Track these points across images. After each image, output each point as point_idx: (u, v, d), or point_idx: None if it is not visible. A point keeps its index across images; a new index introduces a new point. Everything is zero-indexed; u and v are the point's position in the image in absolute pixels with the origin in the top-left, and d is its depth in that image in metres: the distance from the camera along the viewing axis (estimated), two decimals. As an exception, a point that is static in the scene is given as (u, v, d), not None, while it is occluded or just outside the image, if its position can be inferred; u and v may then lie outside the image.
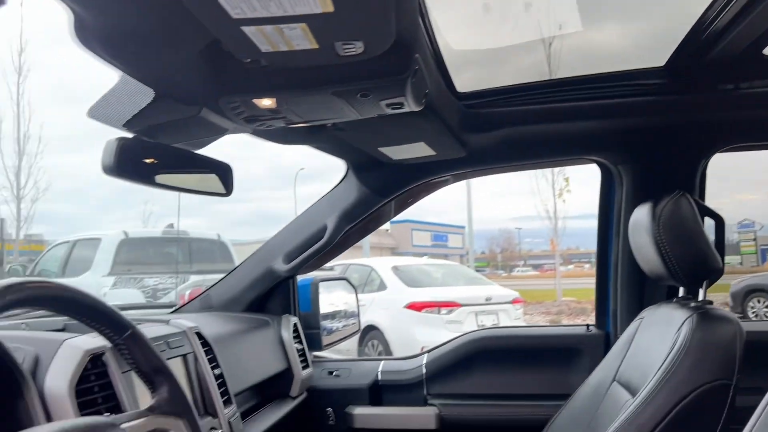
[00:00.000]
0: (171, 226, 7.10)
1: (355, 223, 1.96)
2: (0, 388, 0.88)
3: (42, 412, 0.90)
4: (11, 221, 15.54)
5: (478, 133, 1.66)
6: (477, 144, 1.70)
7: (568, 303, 13.39)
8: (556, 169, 15.33)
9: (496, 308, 7.09)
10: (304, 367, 1.91)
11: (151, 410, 0.81)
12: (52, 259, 7.72)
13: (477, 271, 13.54)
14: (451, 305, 6.86)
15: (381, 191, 1.92)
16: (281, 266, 1.95)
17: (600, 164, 1.81)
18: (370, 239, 20.07)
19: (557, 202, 15.30)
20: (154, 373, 0.83)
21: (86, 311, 0.76)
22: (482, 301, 7.07)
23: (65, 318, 1.35)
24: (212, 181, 1.33)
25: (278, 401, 1.80)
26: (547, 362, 1.91)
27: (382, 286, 7.46)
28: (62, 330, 1.18)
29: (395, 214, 2.12)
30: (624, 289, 1.79)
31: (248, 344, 1.71)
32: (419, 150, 1.66)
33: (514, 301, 7.35)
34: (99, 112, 1.07)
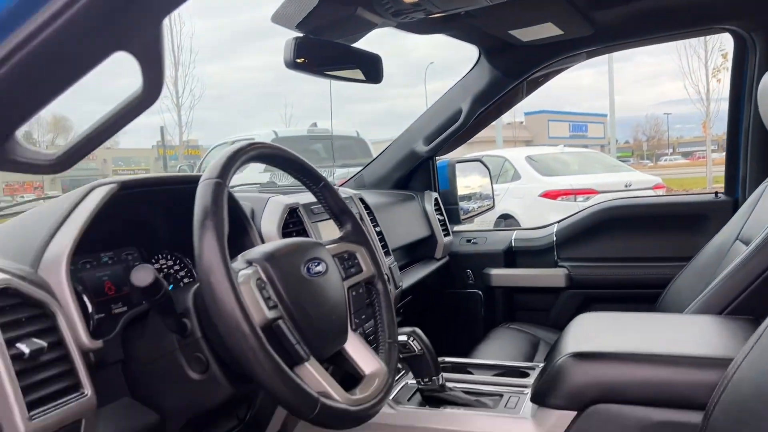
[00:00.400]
0: (315, 125, 7.58)
1: (487, 105, 2.12)
2: (234, 228, 1.23)
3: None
4: (173, 128, 17.28)
5: (605, 9, 1.72)
6: (604, 20, 1.76)
7: (719, 190, 12.53)
8: (710, 46, 13.88)
9: (636, 194, 6.95)
10: (445, 235, 2.19)
11: (341, 239, 1.10)
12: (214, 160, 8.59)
13: (620, 161, 12.98)
14: (587, 192, 6.83)
15: (512, 73, 2.05)
16: (422, 148, 2.19)
17: (732, 32, 1.80)
18: (503, 132, 19.74)
19: (711, 82, 13.96)
20: (341, 213, 1.11)
21: (295, 166, 1.04)
22: (621, 187, 6.95)
23: (258, 186, 1.71)
24: (365, 70, 1.56)
25: (425, 261, 2.11)
26: (673, 228, 2.02)
27: (516, 176, 7.54)
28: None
29: (526, 95, 2.25)
30: (754, 156, 1.83)
31: (398, 213, 2.00)
32: (547, 30, 1.77)
33: (655, 187, 7.15)
34: (278, 17, 1.33)
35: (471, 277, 2.27)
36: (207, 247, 0.77)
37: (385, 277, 1.13)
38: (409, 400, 1.30)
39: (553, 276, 2.13)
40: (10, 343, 0.71)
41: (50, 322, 0.77)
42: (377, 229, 1.68)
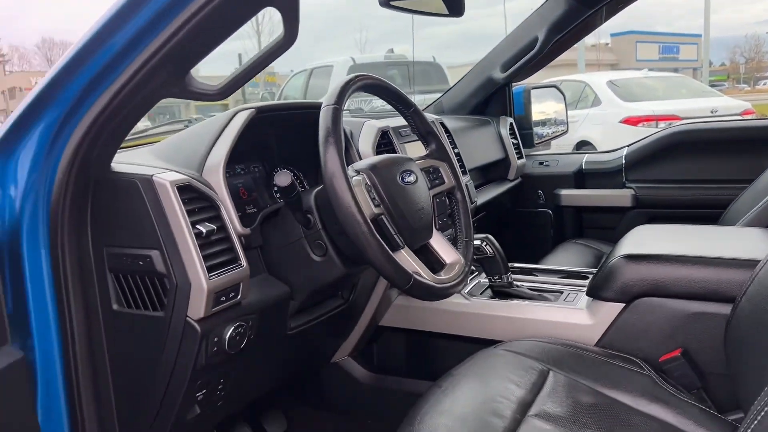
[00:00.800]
0: (391, 50, 7.66)
1: (563, 33, 2.22)
2: None
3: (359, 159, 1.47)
4: (251, 54, 17.54)
5: None
6: None
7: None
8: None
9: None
10: (518, 158, 2.36)
11: (427, 156, 1.31)
12: (293, 88, 8.84)
13: (713, 86, 12.19)
14: (670, 119, 6.63)
15: (588, 1, 2.12)
16: (498, 75, 2.33)
17: None
18: (586, 55, 18.88)
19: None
20: (427, 134, 1.32)
21: (390, 94, 1.25)
22: (707, 113, 6.71)
23: (347, 112, 1.93)
24: (449, 4, 1.71)
25: (498, 182, 2.30)
26: (740, 152, 2.09)
27: (596, 102, 7.38)
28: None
29: (605, 21, 2.31)
30: None
31: (475, 136, 2.18)
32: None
33: (743, 113, 6.84)
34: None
35: (542, 197, 2.44)
36: (330, 158, 1.00)
37: (464, 188, 1.35)
38: (481, 293, 1.54)
39: (621, 196, 2.27)
40: (192, 225, 0.98)
41: (215, 212, 1.05)
42: (456, 150, 1.88)
